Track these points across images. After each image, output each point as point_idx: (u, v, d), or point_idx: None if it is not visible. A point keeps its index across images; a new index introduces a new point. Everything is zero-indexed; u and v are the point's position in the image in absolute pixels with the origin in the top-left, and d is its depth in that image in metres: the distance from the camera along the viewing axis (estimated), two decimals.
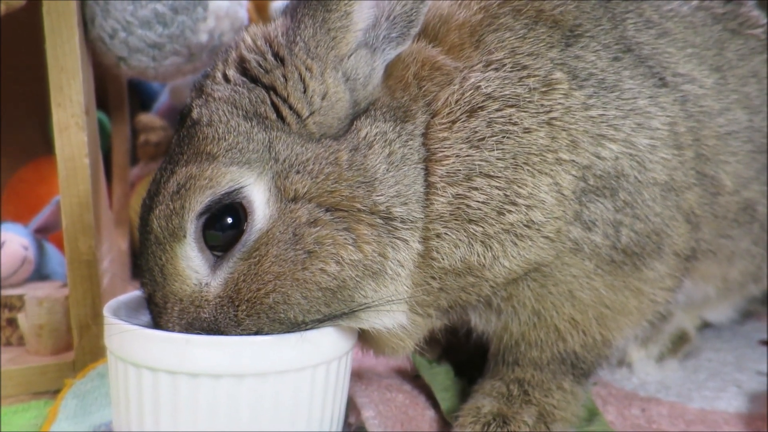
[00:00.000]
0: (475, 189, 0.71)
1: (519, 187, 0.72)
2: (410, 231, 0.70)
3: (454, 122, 0.72)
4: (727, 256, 0.99)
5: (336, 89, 0.69)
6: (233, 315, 0.66)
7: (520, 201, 0.72)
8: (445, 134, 0.72)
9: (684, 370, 1.02)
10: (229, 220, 0.66)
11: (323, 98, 0.69)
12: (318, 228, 0.66)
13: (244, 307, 0.66)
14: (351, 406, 0.81)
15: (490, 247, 0.72)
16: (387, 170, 0.69)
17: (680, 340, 1.06)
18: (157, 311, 0.69)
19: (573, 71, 0.75)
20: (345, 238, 0.67)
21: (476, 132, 0.71)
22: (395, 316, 0.72)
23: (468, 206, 0.71)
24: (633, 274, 0.79)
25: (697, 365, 1.04)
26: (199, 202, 0.65)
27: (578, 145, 0.73)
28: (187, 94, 1.41)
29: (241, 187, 0.65)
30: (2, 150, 1.46)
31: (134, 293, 0.80)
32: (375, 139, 0.70)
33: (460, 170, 0.71)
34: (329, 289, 0.67)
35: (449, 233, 0.72)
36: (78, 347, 0.93)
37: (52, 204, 1.14)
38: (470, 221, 0.71)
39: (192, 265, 0.67)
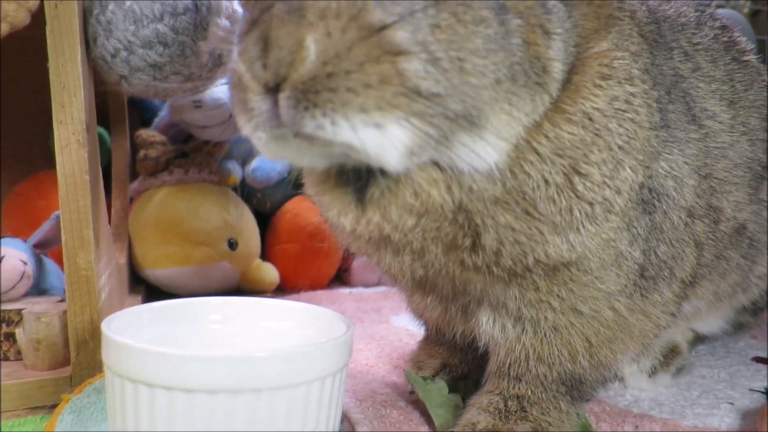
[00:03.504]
0: (596, 147, 0.71)
1: (622, 169, 0.73)
2: (547, 94, 0.70)
3: (607, 78, 0.73)
4: (720, 274, 1.01)
5: None
6: (432, 14, 0.60)
7: (617, 182, 0.73)
8: (600, 83, 0.73)
9: (677, 386, 1.03)
10: None
11: None
12: (515, 17, 0.66)
13: (445, 16, 0.61)
14: (345, 422, 0.82)
15: (571, 212, 0.71)
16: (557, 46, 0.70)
17: (672, 353, 1.07)
18: None
19: (658, 92, 0.79)
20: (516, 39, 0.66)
21: (617, 100, 0.73)
22: (485, 156, 0.67)
23: (585, 156, 0.71)
24: (648, 297, 0.81)
25: (691, 382, 1.05)
26: None
27: (651, 156, 0.77)
28: (187, 111, 1.43)
29: None
30: (3, 164, 1.47)
31: (132, 309, 0.81)
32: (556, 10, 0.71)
33: (594, 119, 0.71)
34: (494, 66, 0.64)
35: (548, 166, 0.70)
36: (75, 362, 0.94)
37: (52, 219, 1.15)
38: (577, 172, 0.71)
39: None
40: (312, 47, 0.58)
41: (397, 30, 0.59)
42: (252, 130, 0.63)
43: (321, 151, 0.63)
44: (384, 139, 0.60)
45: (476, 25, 0.62)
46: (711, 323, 1.15)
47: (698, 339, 1.17)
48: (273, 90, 0.59)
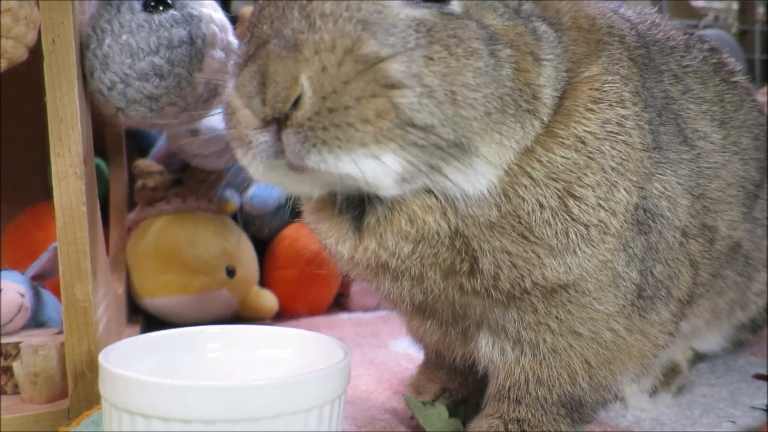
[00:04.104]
0: (590, 169, 0.72)
1: (616, 191, 0.74)
2: (537, 120, 0.71)
3: (598, 101, 0.74)
4: (717, 292, 1.02)
5: None
6: (425, 45, 0.62)
7: (612, 204, 0.73)
8: (592, 106, 0.74)
9: (678, 406, 1.03)
10: None
11: None
12: (505, 47, 0.67)
13: (438, 49, 0.62)
14: None
15: (567, 234, 0.72)
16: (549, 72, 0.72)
17: (672, 372, 1.06)
18: None
19: (649, 114, 0.80)
20: (510, 68, 0.68)
21: (609, 122, 0.74)
22: (475, 182, 0.68)
23: (579, 179, 0.71)
24: (646, 317, 0.81)
25: (692, 401, 1.05)
26: None
27: (645, 177, 0.77)
28: (184, 140, 1.44)
29: None
30: (2, 196, 1.48)
31: (130, 339, 0.81)
32: (545, 36, 0.73)
33: (587, 143, 0.72)
34: (485, 98, 0.65)
35: (543, 190, 0.71)
36: (73, 394, 0.93)
37: (50, 251, 1.15)
38: (572, 195, 0.71)
39: None
40: (306, 83, 0.60)
41: (392, 63, 0.61)
42: (249, 161, 0.65)
43: (315, 179, 0.65)
44: (381, 169, 0.62)
45: (467, 58, 0.64)
46: (710, 341, 1.15)
47: (698, 357, 1.17)
48: (271, 123, 0.61)
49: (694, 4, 2.54)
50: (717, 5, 2.52)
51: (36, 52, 0.94)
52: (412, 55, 0.62)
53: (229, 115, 0.65)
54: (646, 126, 0.78)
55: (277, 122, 0.61)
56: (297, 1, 0.62)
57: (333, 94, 0.59)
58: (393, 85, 0.61)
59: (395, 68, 0.61)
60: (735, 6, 2.53)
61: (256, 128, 0.62)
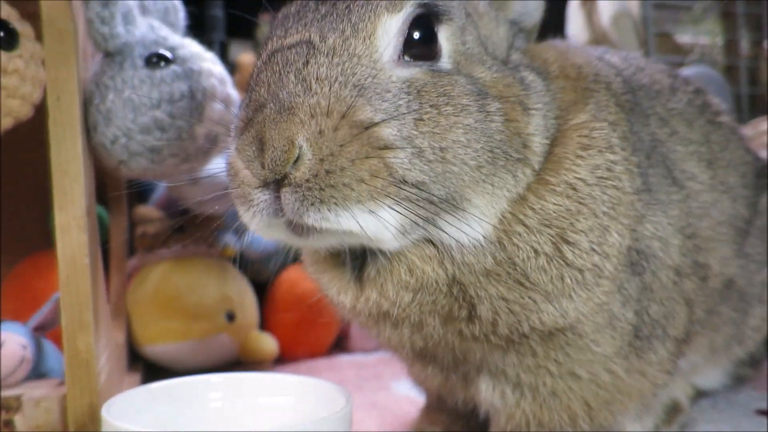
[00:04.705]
0: (582, 215, 0.74)
1: (609, 234, 0.75)
2: (529, 168, 0.73)
3: (588, 148, 0.76)
4: (713, 328, 1.03)
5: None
6: (416, 109, 0.65)
7: (605, 247, 0.75)
8: (581, 153, 0.76)
9: None
10: (425, 38, 0.68)
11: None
12: (494, 100, 0.71)
13: (427, 109, 0.66)
14: None
15: (562, 279, 0.73)
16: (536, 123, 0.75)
17: (673, 411, 1.06)
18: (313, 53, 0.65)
19: (638, 158, 0.82)
20: (500, 119, 0.71)
21: (599, 168, 0.76)
22: (470, 232, 0.70)
23: (572, 225, 0.73)
24: (644, 357, 0.82)
25: None
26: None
27: (636, 219, 0.79)
28: (184, 187, 1.46)
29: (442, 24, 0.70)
30: (2, 246, 1.49)
31: (132, 391, 0.81)
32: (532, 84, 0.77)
33: (578, 189, 0.74)
34: (475, 153, 0.68)
35: (537, 236, 0.72)
36: None
37: (52, 301, 1.16)
38: (566, 241, 0.73)
39: (389, 33, 0.67)
40: (305, 146, 0.63)
41: (384, 128, 0.64)
42: (250, 218, 0.68)
43: (317, 237, 0.67)
44: (378, 223, 0.64)
45: (457, 115, 0.67)
46: (710, 377, 1.15)
47: (699, 394, 1.17)
48: (271, 185, 0.64)
49: (679, 40, 2.59)
50: (702, 41, 2.57)
51: (39, 105, 0.96)
52: (404, 119, 0.65)
53: (232, 175, 0.68)
54: (635, 169, 0.81)
55: (276, 182, 0.64)
56: (293, 65, 0.65)
57: (330, 156, 0.63)
58: (386, 147, 0.64)
59: (388, 132, 0.64)
60: (720, 42, 2.59)
61: (256, 187, 0.65)
